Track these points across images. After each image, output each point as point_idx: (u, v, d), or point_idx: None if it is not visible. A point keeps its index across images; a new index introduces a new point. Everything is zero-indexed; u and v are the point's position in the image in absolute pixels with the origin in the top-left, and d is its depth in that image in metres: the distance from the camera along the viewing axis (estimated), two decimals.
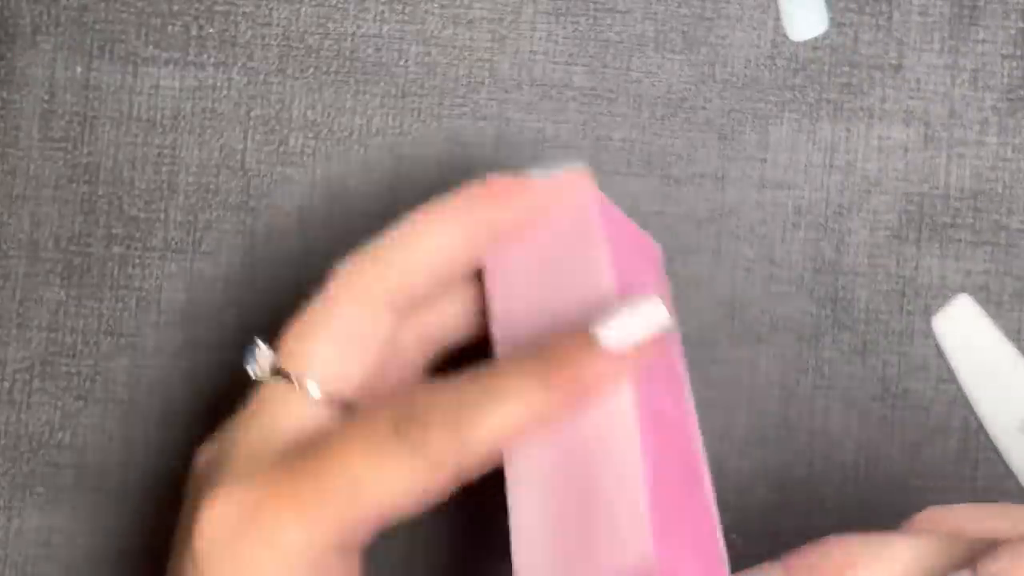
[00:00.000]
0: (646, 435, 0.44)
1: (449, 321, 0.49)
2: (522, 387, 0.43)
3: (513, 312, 0.47)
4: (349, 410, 0.47)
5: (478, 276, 0.49)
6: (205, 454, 0.47)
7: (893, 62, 0.57)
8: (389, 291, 0.47)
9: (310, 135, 0.57)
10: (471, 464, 0.43)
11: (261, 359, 0.47)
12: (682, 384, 0.48)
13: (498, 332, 0.47)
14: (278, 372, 0.47)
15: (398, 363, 0.49)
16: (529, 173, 0.48)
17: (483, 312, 0.49)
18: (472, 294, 0.50)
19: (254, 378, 0.47)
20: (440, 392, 0.44)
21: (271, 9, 0.57)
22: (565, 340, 0.44)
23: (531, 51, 0.57)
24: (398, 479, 0.43)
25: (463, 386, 0.44)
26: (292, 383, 0.46)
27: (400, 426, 0.43)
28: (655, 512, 0.43)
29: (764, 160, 0.57)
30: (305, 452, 0.44)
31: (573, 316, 0.46)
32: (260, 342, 0.47)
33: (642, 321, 0.44)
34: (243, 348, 0.55)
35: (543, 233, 0.48)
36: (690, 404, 0.48)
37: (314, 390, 0.46)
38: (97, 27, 0.57)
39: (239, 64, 0.57)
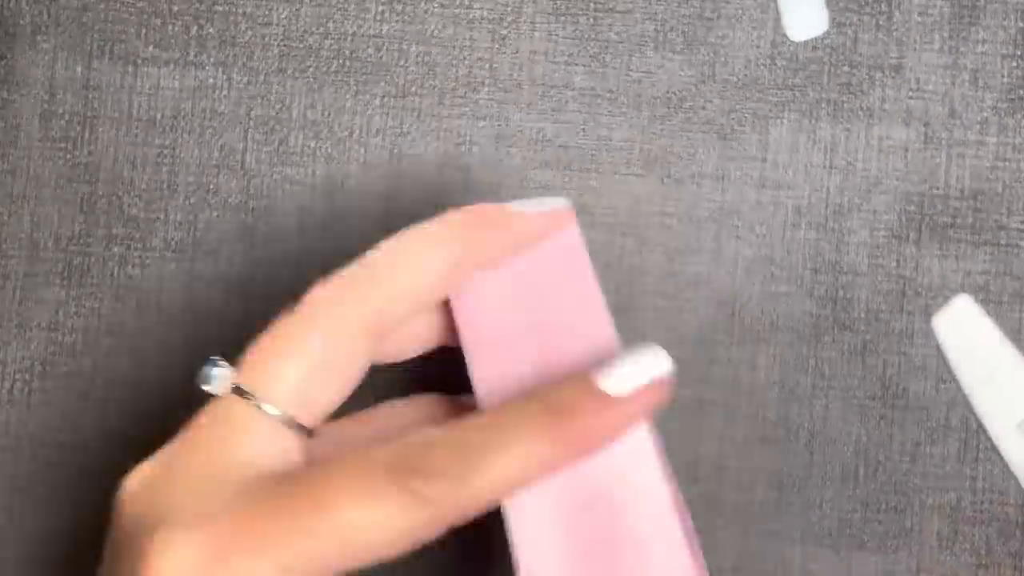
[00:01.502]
0: (661, 459, 0.44)
1: (408, 341, 0.47)
2: (528, 438, 0.42)
3: (490, 343, 0.46)
4: (307, 438, 0.44)
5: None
6: (140, 480, 0.43)
7: (893, 62, 0.57)
8: (366, 317, 0.44)
9: (310, 135, 0.57)
10: (469, 512, 0.42)
11: (221, 375, 0.43)
12: None
13: (476, 365, 0.46)
14: (237, 390, 0.43)
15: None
16: (513, 205, 0.46)
17: (442, 328, 0.48)
18: (434, 314, 0.48)
19: (209, 393, 0.44)
20: (440, 439, 0.42)
21: (271, 9, 0.57)
22: (569, 388, 0.43)
23: (531, 51, 0.57)
24: (392, 525, 0.41)
25: (464, 434, 0.42)
26: (250, 403, 0.43)
27: (398, 471, 0.41)
28: (686, 535, 0.43)
29: (764, 160, 0.57)
30: (279, 488, 0.41)
31: (566, 358, 0.45)
32: (220, 359, 0.44)
33: (646, 370, 0.43)
34: (202, 364, 0.49)
35: (523, 266, 0.46)
36: None
37: (274, 411, 0.43)
38: (97, 27, 0.57)
39: (239, 64, 0.57)
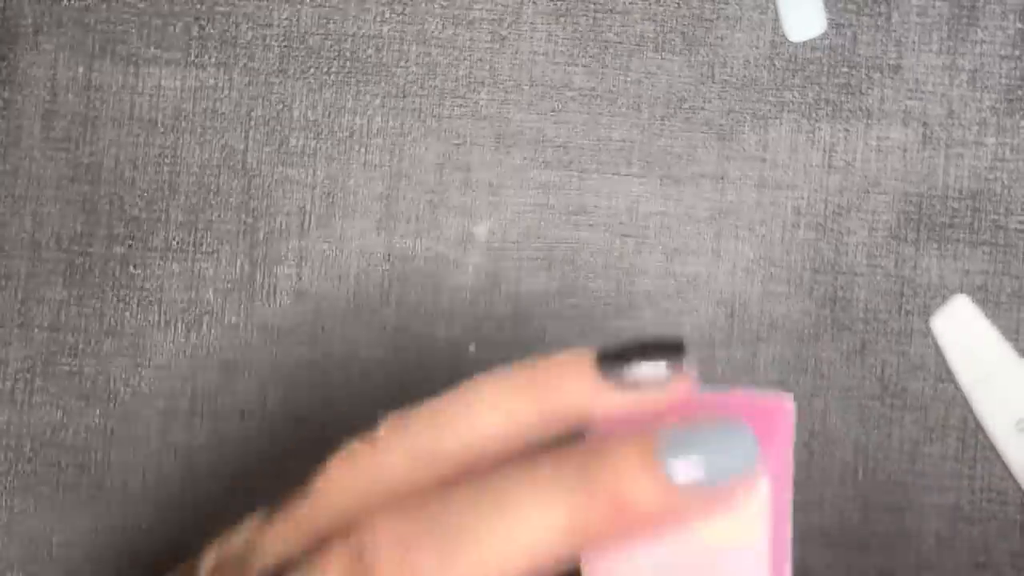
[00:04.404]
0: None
1: None
2: (540, 500, 0.35)
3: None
4: None
5: None
6: (214, 558, 0.40)
7: (892, 63, 0.57)
8: (443, 453, 0.38)
9: (311, 135, 0.57)
10: None
11: None
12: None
13: None
14: None
15: None
16: (629, 369, 0.38)
17: None
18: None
19: None
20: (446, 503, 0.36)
21: (272, 10, 0.57)
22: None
23: (531, 51, 0.57)
24: None
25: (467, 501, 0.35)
26: None
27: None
28: None
29: (763, 160, 0.57)
30: None
31: None
32: None
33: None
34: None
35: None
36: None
37: None
38: (99, 28, 0.57)
39: (240, 64, 0.57)
